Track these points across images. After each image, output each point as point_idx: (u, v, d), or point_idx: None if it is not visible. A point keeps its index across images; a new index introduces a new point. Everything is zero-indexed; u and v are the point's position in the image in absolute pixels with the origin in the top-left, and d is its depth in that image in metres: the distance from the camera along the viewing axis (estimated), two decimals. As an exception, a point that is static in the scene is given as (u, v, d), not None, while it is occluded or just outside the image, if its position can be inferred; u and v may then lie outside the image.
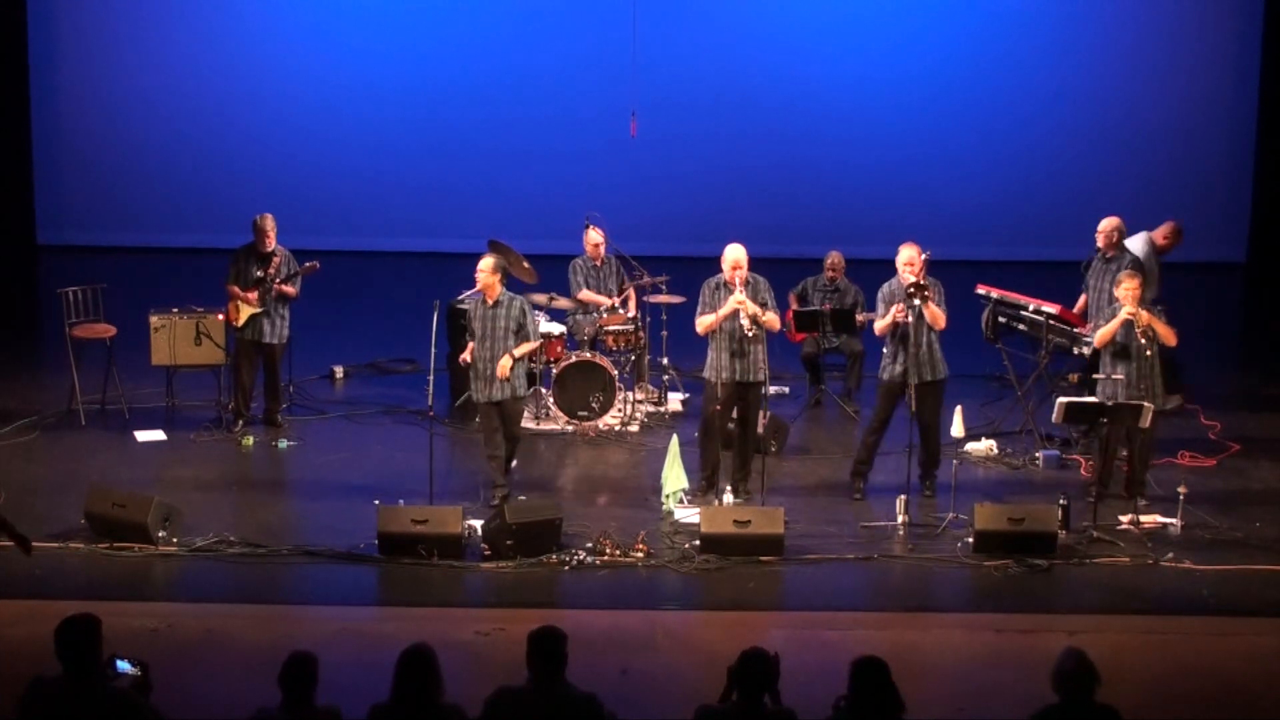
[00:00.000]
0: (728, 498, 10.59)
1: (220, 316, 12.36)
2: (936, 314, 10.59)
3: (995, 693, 8.21)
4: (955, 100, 18.39)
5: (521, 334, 10.69)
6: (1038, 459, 11.71)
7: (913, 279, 10.54)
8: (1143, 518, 10.44)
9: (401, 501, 10.10)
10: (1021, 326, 12.50)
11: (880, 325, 10.73)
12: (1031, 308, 12.36)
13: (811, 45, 18.36)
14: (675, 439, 10.83)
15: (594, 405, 12.30)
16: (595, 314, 12.82)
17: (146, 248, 18.19)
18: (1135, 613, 9.40)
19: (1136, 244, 12.67)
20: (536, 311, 12.09)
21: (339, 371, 13.82)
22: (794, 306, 13.10)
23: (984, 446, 11.90)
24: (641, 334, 12.77)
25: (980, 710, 8.05)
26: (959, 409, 11.01)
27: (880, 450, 11.05)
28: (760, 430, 11.29)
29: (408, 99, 18.39)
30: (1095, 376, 10.81)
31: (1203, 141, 18.55)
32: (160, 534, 9.88)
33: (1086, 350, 11.66)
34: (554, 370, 12.35)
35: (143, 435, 12.09)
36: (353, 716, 6.35)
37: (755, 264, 10.92)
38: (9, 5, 18.08)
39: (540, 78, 18.30)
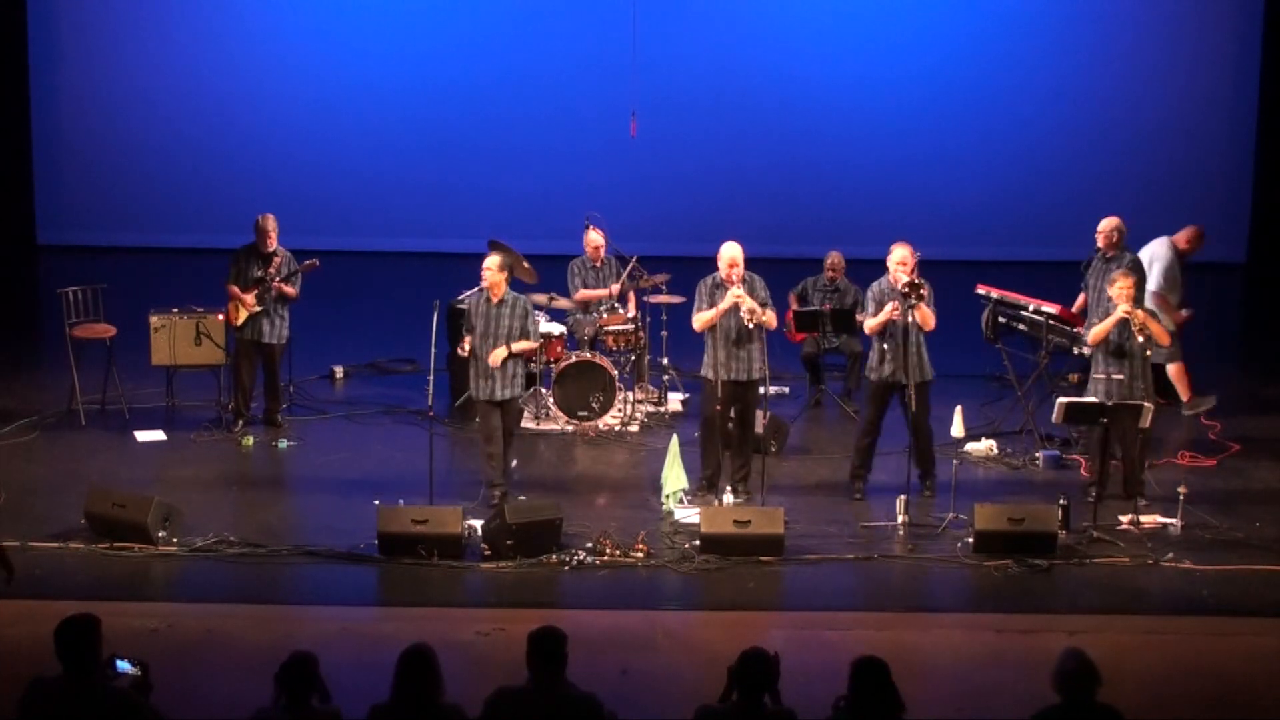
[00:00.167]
0: (728, 498, 10.59)
1: (220, 316, 12.36)
2: (928, 315, 10.59)
3: (995, 693, 8.21)
4: (955, 100, 18.40)
5: (523, 334, 10.71)
6: (1038, 459, 11.71)
7: (908, 279, 10.55)
8: (1143, 518, 10.44)
9: (401, 501, 10.10)
10: (1021, 326, 12.50)
11: (873, 324, 10.72)
12: (1031, 308, 12.36)
13: (811, 45, 18.36)
14: (675, 439, 10.83)
15: (594, 405, 12.30)
16: (595, 314, 12.82)
17: (146, 248, 18.19)
18: (1135, 613, 9.40)
19: (1158, 248, 12.67)
20: (537, 311, 12.09)
21: (339, 371, 13.82)
22: (794, 306, 13.10)
23: (984, 446, 11.90)
24: (641, 334, 12.77)
25: (980, 710, 8.05)
26: (959, 409, 11.01)
27: (879, 450, 11.05)
28: (760, 430, 11.31)
29: (408, 99, 18.39)
30: (1096, 376, 10.81)
31: (1203, 141, 18.55)
32: (160, 534, 9.88)
33: (1086, 350, 11.65)
34: (554, 370, 12.36)
35: (143, 435, 12.09)
36: (353, 716, 6.35)
37: (755, 264, 10.92)
38: (9, 5, 18.08)
39: (540, 78, 18.30)
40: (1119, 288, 10.61)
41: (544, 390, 12.52)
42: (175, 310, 12.47)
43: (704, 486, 10.85)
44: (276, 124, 18.41)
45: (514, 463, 11.24)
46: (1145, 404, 10.51)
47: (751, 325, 10.54)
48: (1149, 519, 10.45)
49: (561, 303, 12.90)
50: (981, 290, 12.82)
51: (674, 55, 18.02)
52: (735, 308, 10.55)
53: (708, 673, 7.49)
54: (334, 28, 18.40)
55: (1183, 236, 12.87)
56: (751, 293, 10.62)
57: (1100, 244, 12.36)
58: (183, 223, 18.35)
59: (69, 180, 18.51)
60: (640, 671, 8.41)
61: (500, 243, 12.75)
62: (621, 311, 12.80)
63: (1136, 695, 7.78)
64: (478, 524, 10.02)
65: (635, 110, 15.97)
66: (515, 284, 11.17)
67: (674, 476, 10.60)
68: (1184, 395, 12.76)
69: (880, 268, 10.86)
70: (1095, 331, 10.70)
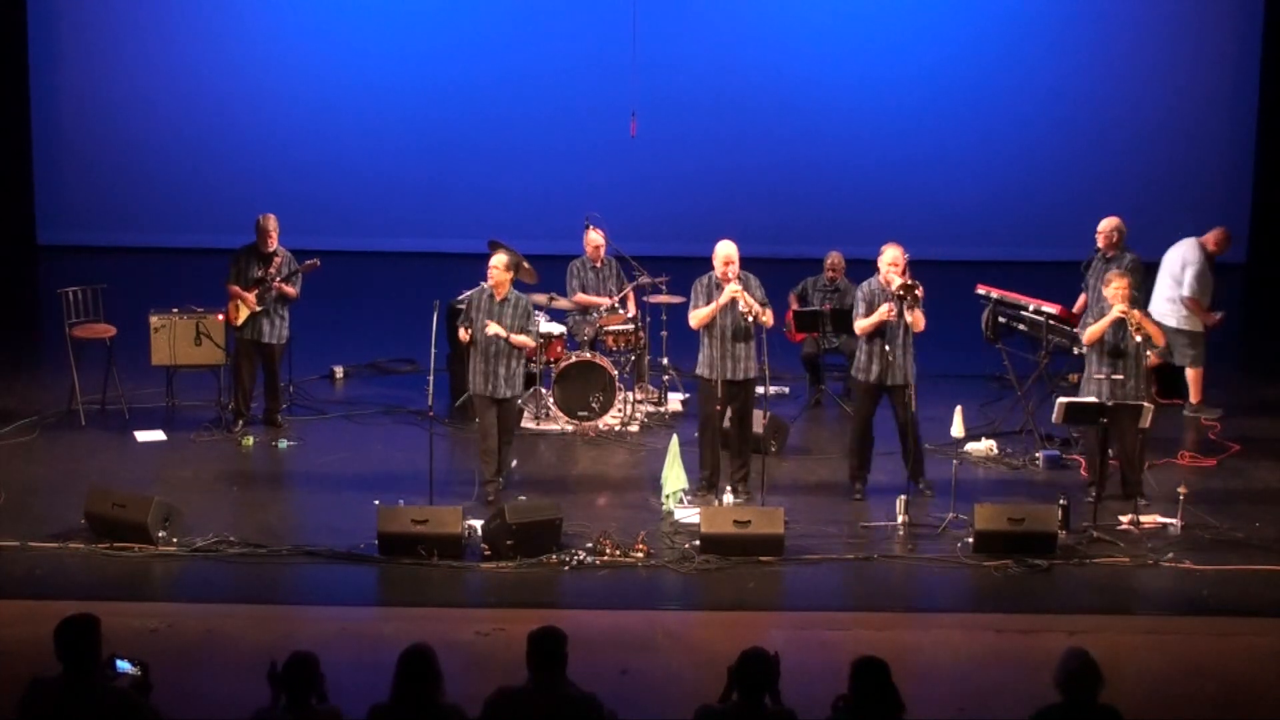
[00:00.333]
0: (728, 498, 10.59)
1: (220, 316, 12.36)
2: (920, 316, 10.59)
3: (995, 693, 8.21)
4: (955, 100, 18.39)
5: (522, 333, 10.78)
6: (1038, 459, 11.71)
7: (902, 280, 10.55)
8: (1143, 518, 10.44)
9: (401, 501, 10.10)
10: (1021, 326, 12.50)
11: (864, 325, 10.71)
12: (1031, 308, 12.36)
13: (811, 45, 18.36)
14: (675, 439, 10.83)
15: (594, 405, 12.30)
16: (595, 314, 12.82)
17: (146, 248, 18.18)
18: (1135, 613, 9.43)
19: (1189, 251, 12.65)
20: (537, 312, 12.10)
21: (339, 371, 13.82)
22: (794, 306, 13.11)
23: (984, 446, 11.90)
24: (641, 334, 12.77)
25: (980, 710, 8.05)
26: (959, 409, 11.01)
27: (879, 450, 11.06)
28: (760, 430, 11.31)
29: (408, 99, 18.38)
30: (1095, 376, 10.80)
31: (1203, 141, 18.55)
32: (160, 534, 9.88)
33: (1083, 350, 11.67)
34: (554, 370, 12.36)
35: (143, 435, 12.09)
36: (353, 716, 6.35)
37: (755, 264, 10.92)
38: (9, 5, 18.07)
39: (540, 78, 18.30)
40: (1114, 288, 10.61)
41: (544, 390, 12.52)
42: (175, 310, 12.47)
43: (704, 486, 10.86)
44: (276, 124, 18.40)
45: (514, 463, 11.25)
46: (1145, 404, 10.51)
47: (751, 320, 10.54)
48: (1149, 519, 10.45)
49: (561, 303, 12.90)
50: (981, 290, 12.82)
51: (674, 55, 18.01)
52: (732, 305, 10.56)
53: (708, 673, 7.49)
54: (334, 28, 18.39)
55: (1211, 238, 12.85)
56: (748, 291, 10.64)
57: (1100, 244, 12.37)
58: (183, 223, 18.34)
59: (69, 180, 18.50)
60: (640, 671, 8.41)
61: (500, 243, 12.74)
62: (621, 312, 12.80)
63: (1136, 695, 7.79)
64: (478, 524, 10.02)
65: (635, 110, 15.97)
66: (516, 284, 11.18)
67: (674, 476, 10.60)
68: (1194, 397, 12.77)
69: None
70: (1091, 331, 10.70)
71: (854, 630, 9.01)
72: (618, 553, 9.85)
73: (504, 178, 18.27)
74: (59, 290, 12.70)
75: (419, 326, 11.46)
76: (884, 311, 10.60)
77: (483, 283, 10.92)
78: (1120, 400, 10.51)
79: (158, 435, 12.10)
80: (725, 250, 10.69)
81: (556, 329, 12.62)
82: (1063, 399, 10.61)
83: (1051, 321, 12.15)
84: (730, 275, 10.58)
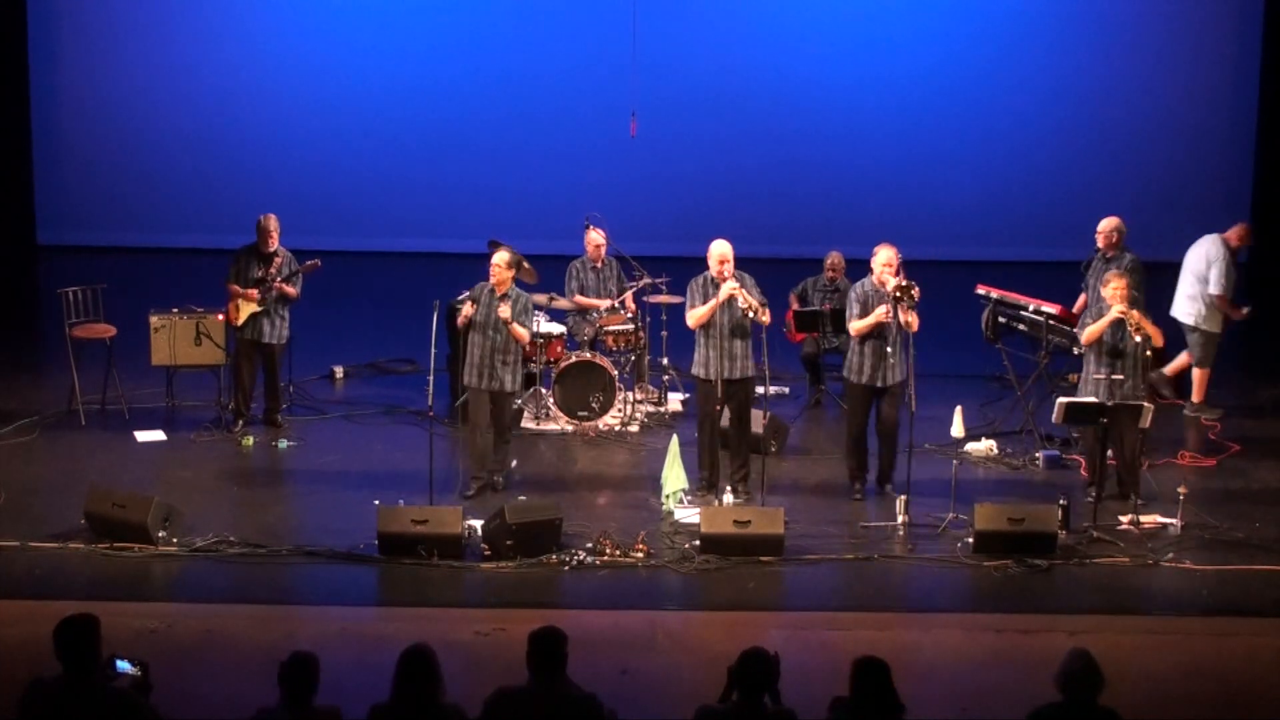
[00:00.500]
0: (728, 498, 10.59)
1: (220, 316, 12.36)
2: (914, 318, 10.58)
3: (995, 693, 8.21)
4: (955, 100, 18.38)
5: (521, 326, 10.89)
6: (1038, 459, 11.71)
7: (898, 281, 10.54)
8: (1143, 518, 10.44)
9: (401, 501, 10.10)
10: (1021, 326, 12.50)
11: (860, 326, 10.70)
12: (1031, 308, 12.36)
13: (811, 45, 18.34)
14: (675, 439, 10.84)
15: (594, 405, 12.30)
16: (595, 314, 12.82)
17: (146, 248, 18.17)
18: (1135, 613, 9.42)
19: (1213, 248, 12.67)
20: (537, 312, 12.11)
21: (339, 371, 13.81)
22: (794, 306, 13.11)
23: (984, 446, 11.90)
24: (641, 334, 12.77)
25: (980, 711, 8.05)
26: (959, 409, 11.01)
27: (873, 451, 11.06)
28: (760, 430, 11.31)
29: (408, 99, 18.37)
30: (1095, 377, 10.80)
31: (1203, 141, 18.54)
32: (160, 534, 9.88)
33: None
34: (554, 370, 12.36)
35: (143, 435, 12.09)
36: (353, 716, 6.35)
37: (755, 264, 10.93)
38: (9, 5, 18.06)
39: (540, 78, 18.29)
40: (1113, 288, 10.62)
41: (544, 390, 12.52)
42: (175, 310, 12.47)
43: (704, 486, 10.86)
44: (276, 124, 18.40)
45: (514, 463, 11.26)
46: (1145, 404, 10.51)
47: (751, 316, 10.54)
48: (1149, 519, 10.45)
49: (561, 303, 12.90)
50: (981, 290, 12.82)
51: (674, 55, 18.01)
52: (730, 303, 10.57)
53: (708, 673, 7.49)
54: (334, 28, 18.38)
55: (1233, 234, 12.88)
56: (745, 289, 10.65)
57: (1100, 244, 12.37)
58: (183, 223, 18.34)
59: (69, 180, 18.49)
60: (640, 671, 8.41)
61: (500, 243, 12.73)
62: (622, 312, 12.80)
63: (1136, 695, 7.79)
64: (478, 524, 10.02)
65: (635, 110, 15.97)
66: (516, 283, 11.19)
67: (674, 476, 10.60)
68: (1196, 397, 12.78)
69: (880, 268, 10.84)
70: (1090, 331, 10.70)
71: (854, 630, 9.01)
72: (618, 553, 9.85)
73: (504, 178, 18.27)
74: (59, 290, 12.70)
75: (419, 326, 11.46)
76: (881, 313, 10.59)
77: (483, 283, 10.94)
78: (1120, 400, 10.51)
79: (158, 435, 12.10)
80: (720, 249, 10.70)
81: (556, 329, 12.62)
82: (1063, 399, 10.61)
83: (1051, 321, 12.15)
84: (726, 274, 10.59)
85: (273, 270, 12.13)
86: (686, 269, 11.15)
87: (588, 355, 12.41)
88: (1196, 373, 12.75)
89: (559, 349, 12.49)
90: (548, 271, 13.17)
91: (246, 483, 11.28)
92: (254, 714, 6.31)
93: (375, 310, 16.05)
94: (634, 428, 12.43)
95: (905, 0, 18.42)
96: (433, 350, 10.86)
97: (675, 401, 12.87)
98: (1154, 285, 12.81)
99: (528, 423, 12.36)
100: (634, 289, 12.87)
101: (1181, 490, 10.45)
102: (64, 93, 18.45)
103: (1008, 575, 9.75)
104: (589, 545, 9.92)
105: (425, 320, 10.73)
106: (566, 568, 9.74)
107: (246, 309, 12.14)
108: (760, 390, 11.06)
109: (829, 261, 13.24)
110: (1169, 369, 12.95)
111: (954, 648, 8.97)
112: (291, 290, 12.20)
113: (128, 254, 17.78)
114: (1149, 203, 17.45)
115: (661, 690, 8.22)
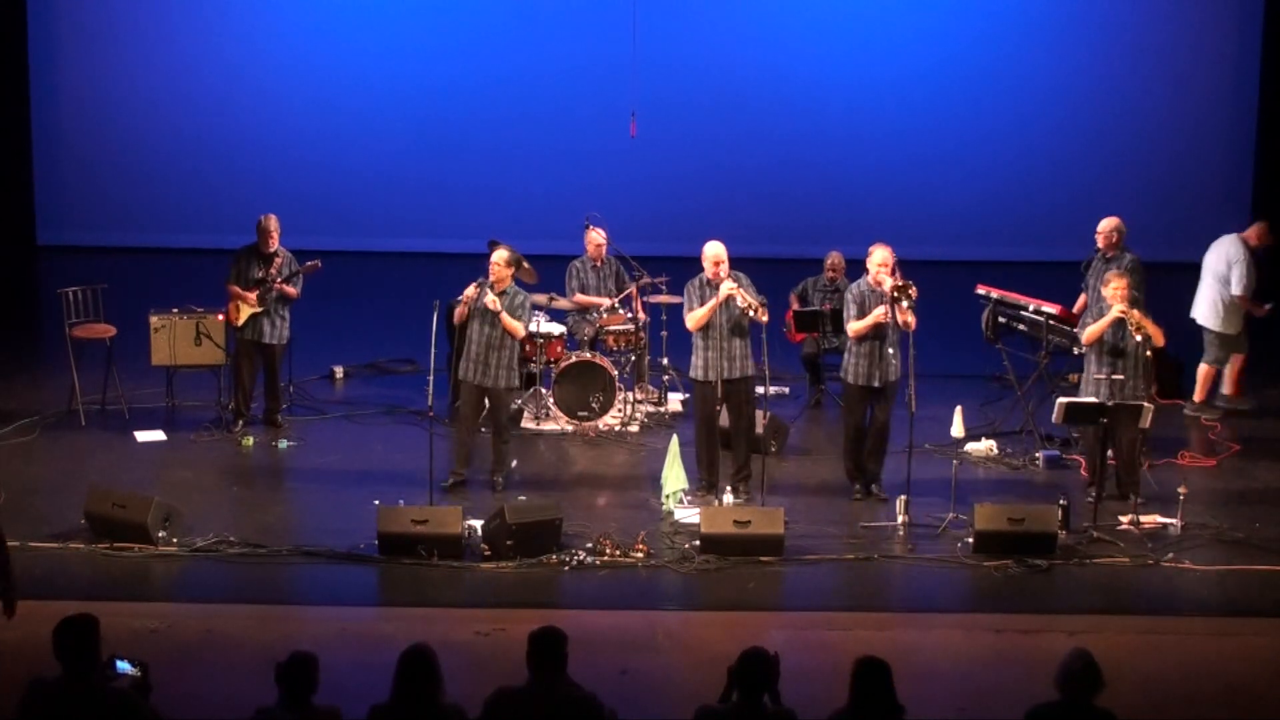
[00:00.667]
0: (728, 498, 10.59)
1: (220, 316, 12.36)
2: (911, 318, 10.57)
3: (995, 693, 8.21)
4: (955, 100, 18.38)
5: (516, 319, 10.92)
6: (1038, 459, 11.71)
7: (894, 280, 10.54)
8: (1143, 518, 10.44)
9: (401, 501, 10.10)
10: (1021, 326, 12.50)
11: (858, 327, 10.68)
12: (1031, 308, 12.36)
13: (811, 45, 18.35)
14: (675, 439, 10.84)
15: (594, 405, 12.30)
16: (595, 314, 12.82)
17: (146, 248, 18.18)
18: (1135, 613, 9.41)
19: (1233, 249, 12.68)
20: (536, 312, 12.11)
21: (339, 371, 13.82)
22: (794, 306, 13.11)
23: (984, 446, 11.90)
24: (641, 334, 12.77)
25: (980, 711, 8.05)
26: (959, 409, 11.01)
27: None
28: (760, 430, 11.31)
29: (408, 99, 18.38)
30: (1096, 377, 10.80)
31: (1203, 141, 18.54)
32: (160, 534, 9.88)
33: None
34: (554, 370, 12.36)
35: (143, 435, 12.09)
36: (353, 716, 6.35)
37: (755, 264, 10.94)
38: (9, 5, 18.07)
39: (540, 78, 18.29)
40: (1113, 288, 10.63)
41: (544, 390, 12.52)
42: (175, 310, 12.47)
43: (704, 486, 10.86)
44: (276, 124, 18.40)
45: (514, 463, 11.26)
46: (1145, 404, 10.51)
47: (752, 315, 10.54)
48: (1149, 519, 10.45)
49: (561, 303, 12.90)
50: (981, 290, 12.82)
51: (674, 55, 18.01)
52: (728, 303, 10.57)
53: (708, 673, 7.48)
54: (334, 28, 18.39)
55: (1253, 233, 12.91)
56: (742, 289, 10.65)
57: (1100, 244, 12.37)
58: (183, 223, 18.34)
59: (69, 180, 18.49)
60: (640, 671, 8.41)
61: (500, 243, 12.73)
62: (622, 312, 12.80)
63: (1136, 696, 7.79)
64: (478, 524, 10.02)
65: (635, 110, 15.98)
66: (515, 283, 11.19)
67: (674, 476, 10.60)
68: (1198, 396, 12.79)
69: (880, 268, 10.83)
70: (1090, 331, 10.70)
71: (854, 630, 9.01)
72: (618, 553, 9.85)
73: (504, 178, 18.27)
74: (59, 290, 12.70)
75: (419, 326, 11.47)
76: (879, 314, 10.59)
77: (482, 279, 10.95)
78: (1120, 400, 10.51)
79: (158, 435, 12.10)
80: (714, 251, 10.71)
81: (556, 329, 12.62)
82: (1063, 399, 10.61)
83: (1051, 321, 12.15)
84: (722, 274, 10.60)
85: (273, 271, 12.13)
86: (686, 269, 11.15)
87: (588, 355, 12.41)
88: (1202, 369, 12.74)
89: (559, 349, 12.49)
90: (548, 271, 13.17)
91: (246, 483, 11.28)
92: (253, 714, 6.30)
93: (375, 310, 16.06)
94: (634, 428, 12.43)
95: (905, 1, 18.43)
96: (433, 350, 10.86)
97: (675, 401, 12.87)
98: (1154, 285, 12.81)
99: (528, 423, 12.37)
100: (637, 287, 12.84)
101: (1181, 490, 10.45)
102: (64, 93, 18.45)
103: (1008, 575, 9.75)
104: (589, 545, 9.92)
105: (425, 320, 10.74)
106: (566, 568, 9.74)
107: (246, 309, 12.14)
108: (760, 390, 11.06)
109: (829, 262, 13.24)
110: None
111: (954, 648, 8.97)
112: (292, 290, 12.20)
113: (128, 254, 17.78)
114: (1149, 203, 17.45)
115: (661, 690, 8.22)
